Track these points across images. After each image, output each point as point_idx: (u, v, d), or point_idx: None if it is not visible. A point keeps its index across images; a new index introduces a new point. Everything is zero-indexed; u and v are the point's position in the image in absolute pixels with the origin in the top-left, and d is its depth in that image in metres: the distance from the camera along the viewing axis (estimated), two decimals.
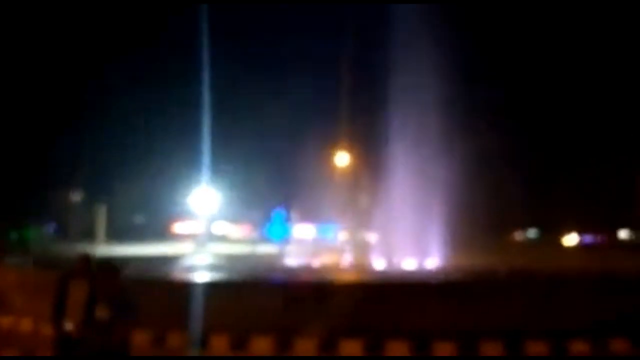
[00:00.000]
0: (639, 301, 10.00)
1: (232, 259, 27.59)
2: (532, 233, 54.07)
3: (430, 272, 20.58)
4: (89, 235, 37.36)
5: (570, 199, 41.96)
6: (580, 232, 50.48)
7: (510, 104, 35.30)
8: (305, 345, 9.42)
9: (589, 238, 52.31)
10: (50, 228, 50.45)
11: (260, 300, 10.41)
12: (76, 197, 49.43)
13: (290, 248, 37.53)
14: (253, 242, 42.81)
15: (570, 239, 49.35)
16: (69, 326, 6.68)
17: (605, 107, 42.79)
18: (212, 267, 22.57)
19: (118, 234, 37.80)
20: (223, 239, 50.71)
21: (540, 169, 42.35)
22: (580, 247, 43.93)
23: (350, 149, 43.60)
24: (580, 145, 43.97)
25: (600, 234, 51.42)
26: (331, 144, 44.03)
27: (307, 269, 22.43)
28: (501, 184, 30.23)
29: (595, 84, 42.46)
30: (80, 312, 6.52)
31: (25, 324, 11.32)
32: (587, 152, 43.89)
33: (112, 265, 6.63)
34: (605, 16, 41.93)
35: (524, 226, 51.78)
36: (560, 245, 44.20)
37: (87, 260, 7.05)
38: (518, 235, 51.60)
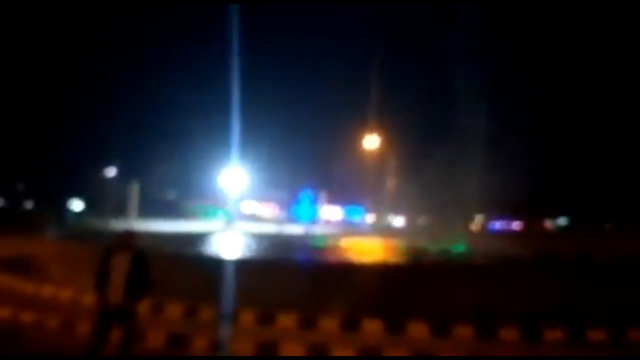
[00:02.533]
0: None
1: (260, 237, 28.22)
2: (562, 221, 52.50)
3: (454, 254, 20.87)
4: (122, 211, 38.32)
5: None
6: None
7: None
8: (328, 323, 9.80)
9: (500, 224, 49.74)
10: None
11: (287, 279, 10.86)
12: (110, 173, 50.59)
13: (317, 229, 38.02)
14: (280, 222, 43.36)
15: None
16: (112, 297, 7.06)
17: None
18: (242, 245, 23.21)
19: (150, 210, 38.65)
20: (251, 217, 51.37)
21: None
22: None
23: (379, 133, 43.63)
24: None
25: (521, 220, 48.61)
26: (361, 127, 44.11)
27: (333, 249, 22.84)
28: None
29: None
30: (123, 283, 7.00)
31: (66, 294, 11.87)
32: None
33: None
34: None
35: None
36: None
37: (130, 234, 7.47)
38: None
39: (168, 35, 52.87)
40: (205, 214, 46.62)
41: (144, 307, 8.50)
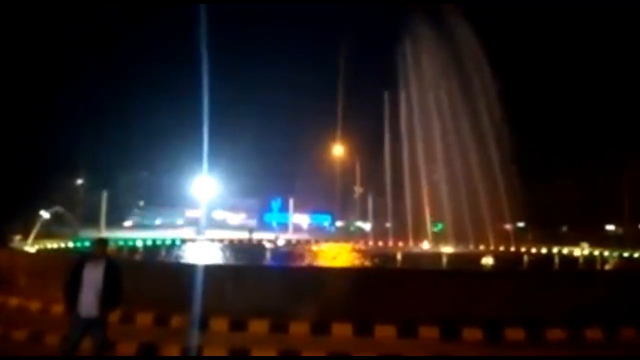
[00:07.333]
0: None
1: (230, 244, 28.25)
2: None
3: (420, 257, 21.31)
4: (91, 220, 37.82)
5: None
6: None
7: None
8: (299, 328, 9.97)
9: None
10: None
11: (258, 285, 10.99)
12: (78, 182, 49.79)
13: (286, 235, 38.15)
14: (250, 229, 43.41)
15: None
16: (85, 306, 7.06)
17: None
18: (212, 252, 23.20)
19: (120, 219, 38.28)
20: (221, 225, 51.28)
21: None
22: None
23: (346, 142, 44.16)
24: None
25: None
26: (328, 136, 44.58)
27: (302, 254, 22.99)
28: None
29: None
30: (97, 293, 7.05)
31: (34, 305, 11.71)
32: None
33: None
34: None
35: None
36: None
37: (103, 243, 7.51)
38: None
39: (138, 49, 52.75)
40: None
41: (114, 316, 8.48)
